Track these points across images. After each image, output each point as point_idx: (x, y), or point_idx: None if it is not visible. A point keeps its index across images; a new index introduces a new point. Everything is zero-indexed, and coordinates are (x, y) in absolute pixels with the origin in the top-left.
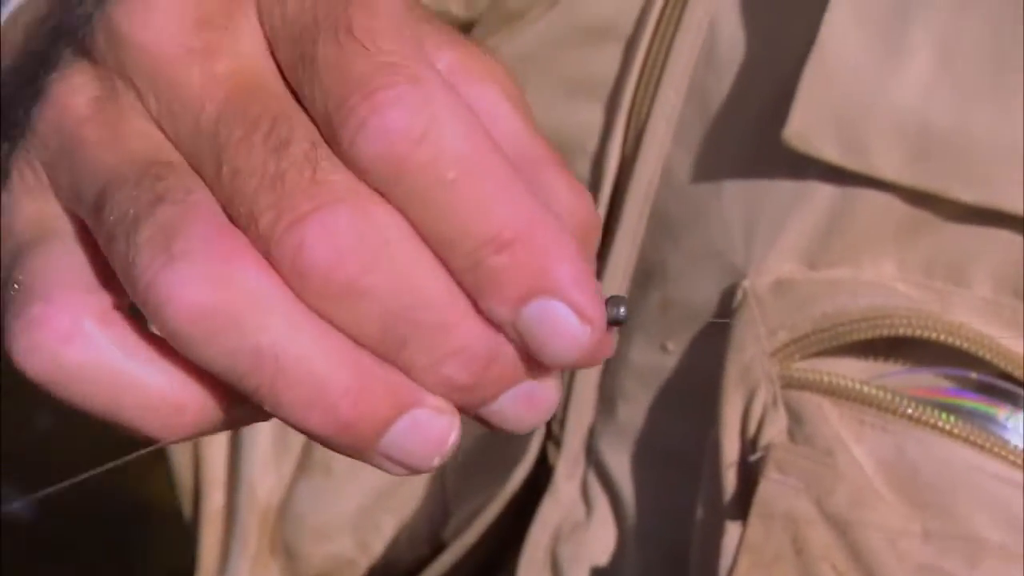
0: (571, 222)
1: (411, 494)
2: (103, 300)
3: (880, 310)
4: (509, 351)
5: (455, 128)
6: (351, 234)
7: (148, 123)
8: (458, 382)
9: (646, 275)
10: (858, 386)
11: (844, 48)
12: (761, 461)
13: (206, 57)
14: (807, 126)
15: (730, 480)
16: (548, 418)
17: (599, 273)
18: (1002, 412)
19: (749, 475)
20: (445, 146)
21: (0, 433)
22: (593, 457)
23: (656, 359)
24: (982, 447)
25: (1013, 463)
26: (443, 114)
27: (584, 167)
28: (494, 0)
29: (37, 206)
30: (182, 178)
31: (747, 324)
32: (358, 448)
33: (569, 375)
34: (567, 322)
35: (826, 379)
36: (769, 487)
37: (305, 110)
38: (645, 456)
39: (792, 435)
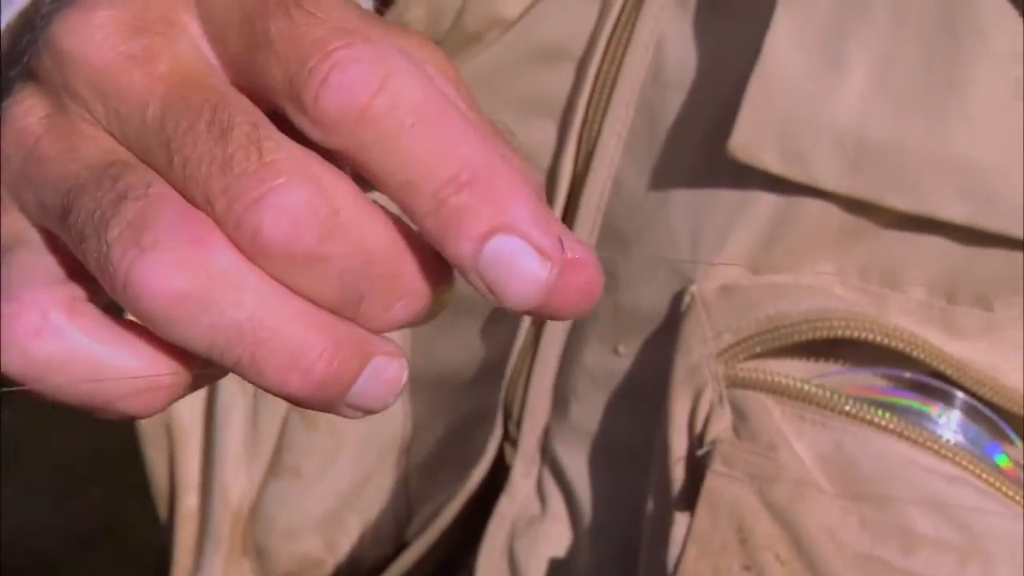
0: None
1: (376, 495)
2: (70, 293)
3: (820, 313)
4: (443, 276)
5: (410, 79)
6: (304, 208)
7: (98, 130)
8: (404, 322)
9: None
10: (799, 385)
11: (785, 65)
12: (708, 456)
13: (146, 61)
14: (750, 138)
15: (678, 474)
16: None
17: None
18: (935, 409)
19: (696, 469)
20: (403, 95)
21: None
22: (548, 455)
23: (608, 361)
24: (916, 442)
25: (945, 457)
26: (398, 67)
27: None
28: (454, 24)
29: (6, 221)
30: (140, 174)
31: (694, 327)
32: (330, 402)
33: (525, 377)
34: (527, 258)
35: (769, 378)
36: (715, 480)
37: (258, 96)
38: (598, 453)
39: (737, 431)
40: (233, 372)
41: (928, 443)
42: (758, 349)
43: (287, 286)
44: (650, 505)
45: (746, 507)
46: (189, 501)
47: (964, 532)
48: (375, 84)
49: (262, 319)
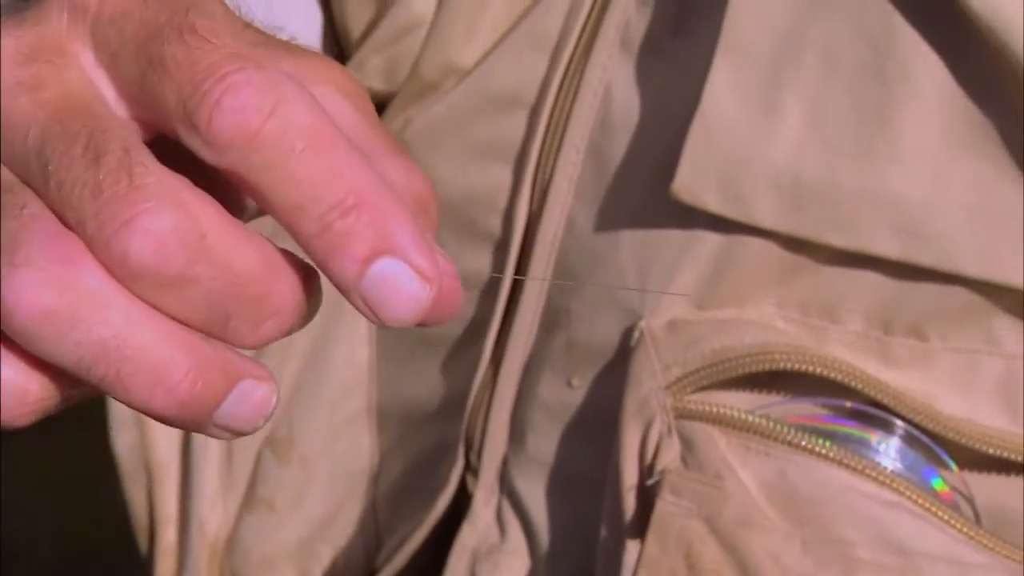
0: (407, 196)
1: (347, 525)
2: None
3: (762, 346)
4: (311, 292)
5: (300, 106)
6: (171, 231)
7: None
8: (274, 338)
9: (552, 318)
10: (743, 416)
11: (724, 110)
12: (657, 485)
13: (32, 88)
14: (692, 180)
15: (629, 503)
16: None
17: (511, 316)
18: (875, 437)
19: (647, 498)
20: (293, 120)
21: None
22: (506, 485)
23: (562, 394)
24: (855, 469)
25: (883, 483)
26: (289, 93)
27: (495, 222)
28: (411, 73)
29: None
30: (17, 195)
31: (643, 361)
32: (196, 422)
33: (485, 410)
34: (408, 281)
35: (715, 410)
36: (664, 508)
37: (153, 122)
38: (553, 483)
39: (685, 461)
40: (101, 389)
41: (867, 470)
42: (704, 382)
43: (155, 307)
44: (603, 532)
45: (694, 534)
46: (168, 535)
47: (902, 556)
48: (267, 108)
49: (127, 338)
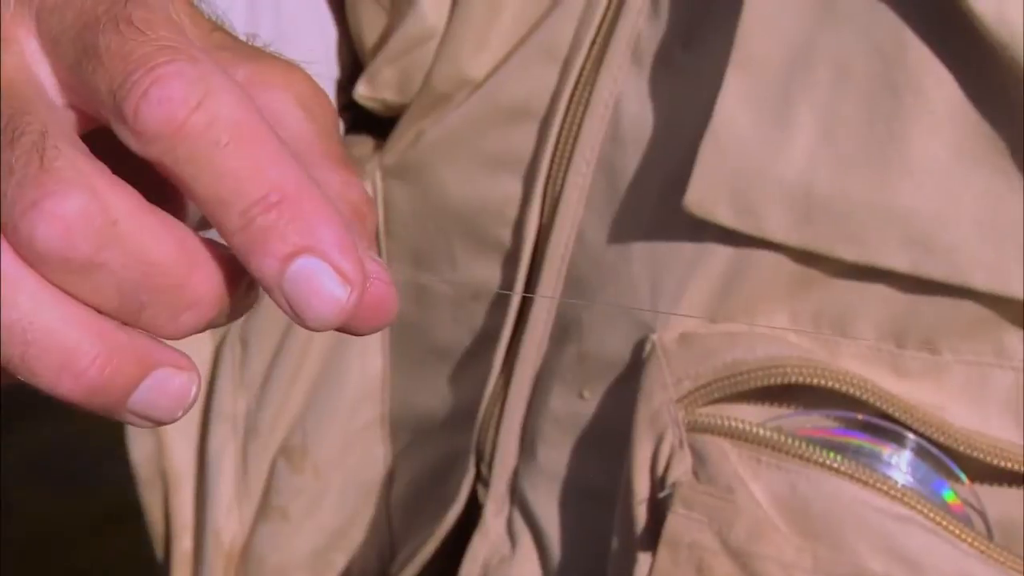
0: (340, 204)
1: (360, 534)
2: None
3: (774, 360)
4: (236, 285)
5: (229, 100)
6: (78, 215)
7: None
8: (195, 329)
9: (563, 330)
10: (755, 429)
11: (736, 124)
12: (669, 498)
13: None
14: (704, 194)
15: (641, 515)
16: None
17: (522, 327)
18: (886, 450)
19: (658, 510)
20: (220, 114)
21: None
22: (517, 496)
23: (573, 406)
24: (866, 483)
25: (894, 497)
26: (218, 87)
27: (506, 234)
28: (424, 84)
29: None
30: None
31: (655, 374)
32: (108, 408)
33: (496, 421)
34: (329, 282)
35: (726, 423)
36: (676, 521)
37: (90, 109)
38: (564, 494)
39: (696, 474)
40: (10, 371)
41: (878, 484)
42: (716, 395)
43: (67, 292)
44: (614, 545)
45: (705, 547)
46: (184, 543)
47: (912, 569)
48: (193, 101)
49: (34, 321)
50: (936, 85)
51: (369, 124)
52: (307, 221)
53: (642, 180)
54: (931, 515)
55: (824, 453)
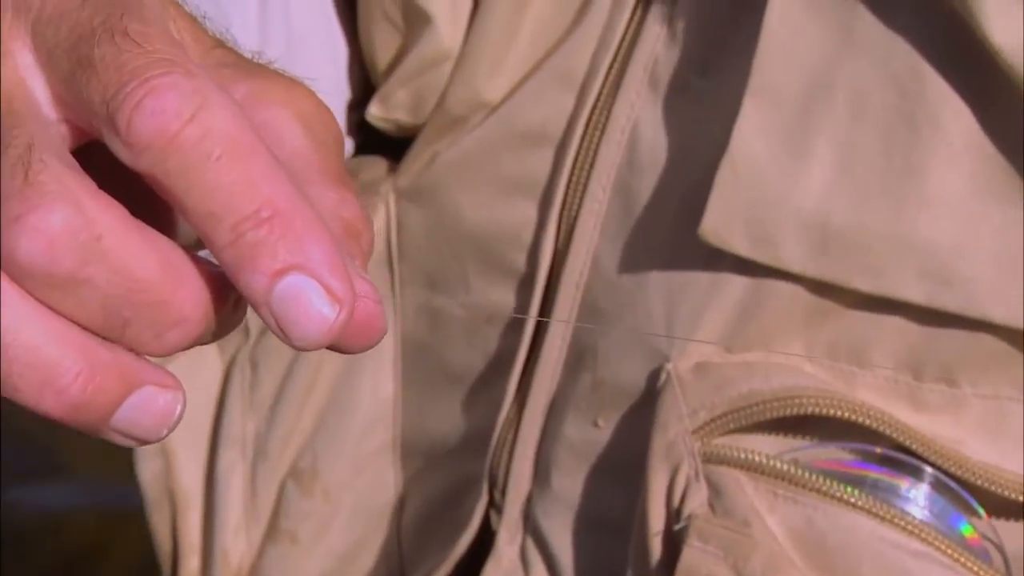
0: (334, 222)
1: (370, 559)
2: None
3: (790, 391)
4: (222, 302)
5: (223, 114)
6: (62, 230)
7: None
8: (180, 347)
9: (578, 357)
10: (772, 462)
11: (752, 153)
12: (684, 530)
13: None
14: (720, 223)
15: (656, 547)
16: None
17: (537, 353)
18: (904, 484)
19: (673, 543)
20: (213, 127)
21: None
22: (531, 524)
23: (588, 434)
24: (883, 518)
25: (912, 533)
26: (212, 101)
27: (521, 259)
28: (438, 106)
29: None
30: None
31: (671, 404)
32: (91, 426)
33: (509, 447)
34: (317, 300)
35: (743, 455)
36: (691, 554)
37: (84, 121)
38: (578, 523)
39: (712, 506)
40: None
41: (895, 519)
42: (732, 426)
43: (51, 307)
44: None
45: None
46: (191, 564)
47: None
48: (187, 113)
49: (16, 337)
50: (954, 117)
51: (382, 145)
52: (298, 238)
53: (658, 207)
54: (948, 551)
55: (841, 487)
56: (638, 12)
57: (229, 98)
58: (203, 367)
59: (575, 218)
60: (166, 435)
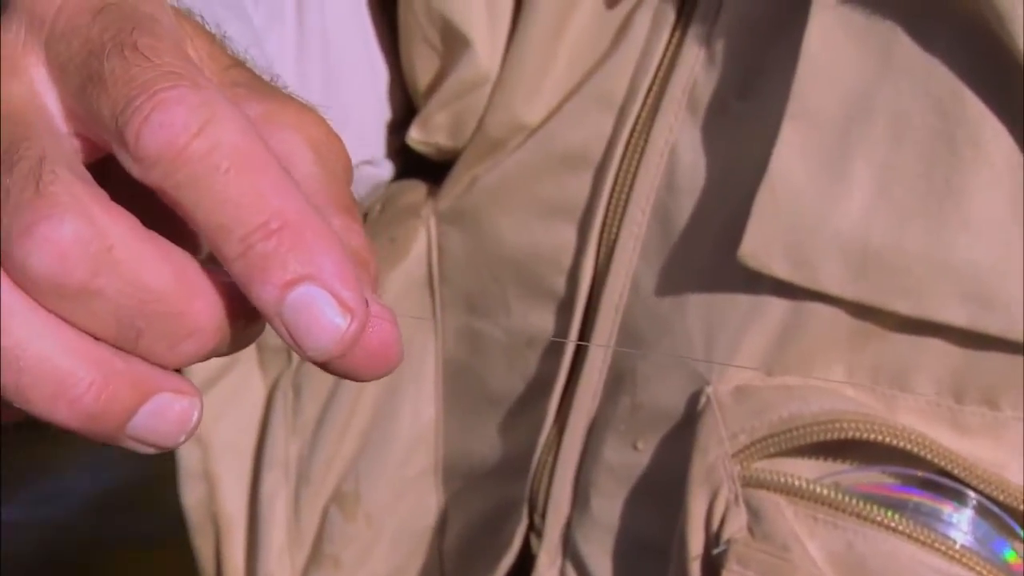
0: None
1: None
2: None
3: (830, 414)
4: (237, 315)
5: (232, 127)
6: (73, 240)
7: None
8: (196, 358)
9: (618, 380)
10: (812, 486)
11: (792, 176)
12: (723, 555)
13: None
14: (759, 246)
15: (695, 572)
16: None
17: (576, 376)
18: (947, 508)
19: (713, 567)
20: (221, 140)
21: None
22: (570, 547)
23: (627, 457)
24: (924, 543)
25: (954, 558)
26: (221, 114)
27: (560, 281)
28: (477, 130)
29: None
30: None
31: (710, 428)
32: (107, 434)
33: (549, 471)
34: (329, 310)
35: (782, 479)
36: None
37: (94, 134)
38: (618, 546)
39: (752, 531)
40: (6, 399)
41: (936, 544)
42: (772, 450)
43: (63, 318)
44: None
45: None
46: None
47: None
48: (195, 126)
49: (27, 348)
50: (994, 138)
51: (422, 168)
52: (308, 249)
53: (697, 230)
54: None
55: (882, 511)
56: (676, 34)
57: (238, 111)
58: (247, 392)
59: (614, 241)
60: (183, 441)
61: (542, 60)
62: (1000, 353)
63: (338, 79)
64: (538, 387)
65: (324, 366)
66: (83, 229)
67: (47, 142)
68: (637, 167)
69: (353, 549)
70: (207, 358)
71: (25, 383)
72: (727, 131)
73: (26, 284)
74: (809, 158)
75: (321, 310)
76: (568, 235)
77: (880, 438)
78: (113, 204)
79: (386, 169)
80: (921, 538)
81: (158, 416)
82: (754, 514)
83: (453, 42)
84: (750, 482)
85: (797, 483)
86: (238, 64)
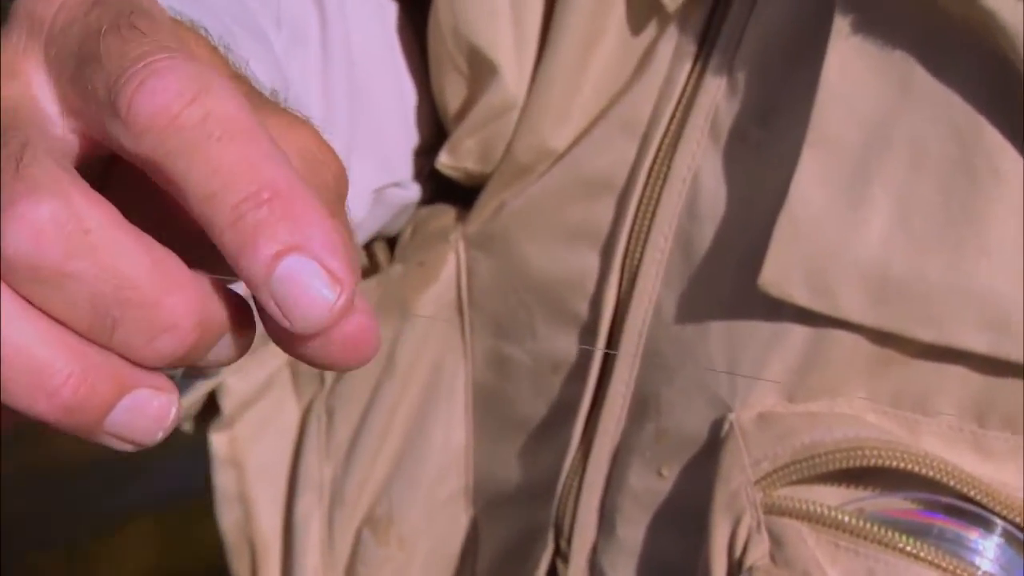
0: None
1: None
2: None
3: (853, 442)
4: (218, 317)
5: (225, 97)
6: (49, 220)
7: None
8: (174, 356)
9: (642, 406)
10: (833, 513)
11: (811, 204)
12: None
13: None
14: (779, 274)
15: None
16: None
17: (601, 402)
18: (973, 535)
19: None
20: (214, 109)
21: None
22: (596, 573)
23: (652, 483)
24: (947, 570)
25: None
26: (215, 84)
27: (584, 307)
28: (505, 154)
29: None
30: None
31: (733, 455)
32: (86, 429)
33: (575, 496)
34: (317, 281)
35: (805, 506)
36: None
37: (88, 130)
38: (643, 572)
39: (774, 558)
40: None
41: (960, 571)
42: (794, 477)
43: (39, 306)
44: None
45: None
46: None
47: None
48: (188, 95)
49: (6, 338)
50: (1013, 166)
51: (452, 193)
52: (298, 220)
53: (719, 256)
54: None
55: (904, 538)
56: (699, 62)
57: (230, 83)
58: (281, 415)
59: (637, 267)
60: (161, 438)
61: (569, 86)
62: (1022, 379)
63: (364, 102)
64: (563, 412)
65: (302, 355)
66: (60, 210)
67: (32, 132)
68: (660, 193)
69: (386, 572)
70: (187, 360)
71: (6, 377)
72: (749, 158)
73: (3, 268)
74: (828, 185)
75: (310, 281)
76: (592, 260)
77: (902, 465)
78: (94, 192)
79: (413, 191)
80: (944, 565)
81: (136, 412)
82: (776, 541)
83: (481, 68)
84: (772, 509)
85: (819, 510)
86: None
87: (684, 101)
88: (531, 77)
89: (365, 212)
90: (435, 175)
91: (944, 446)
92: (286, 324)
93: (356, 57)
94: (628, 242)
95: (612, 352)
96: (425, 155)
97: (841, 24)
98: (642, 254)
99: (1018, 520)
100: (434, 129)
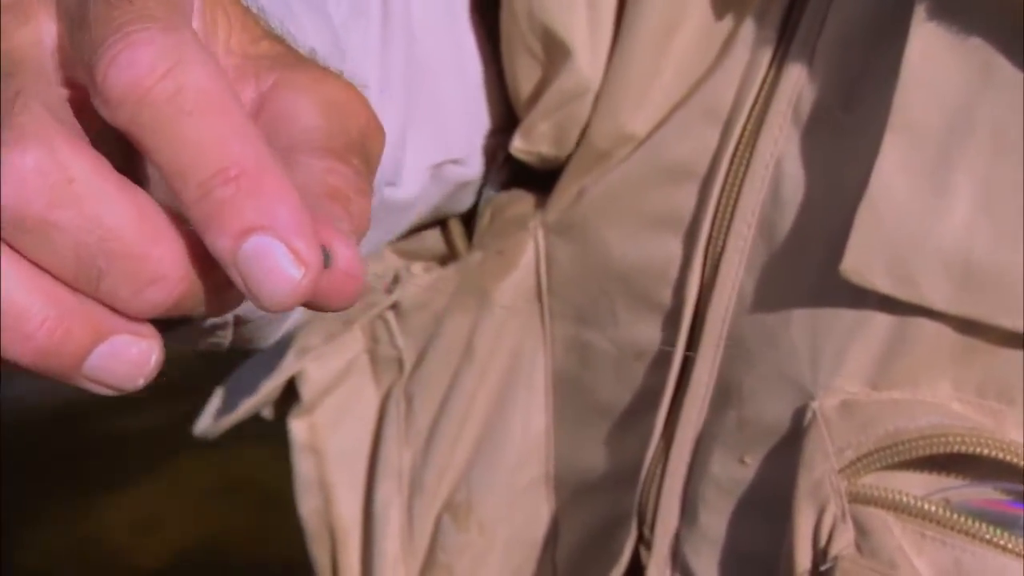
0: (316, 186)
1: None
2: None
3: (937, 428)
4: (207, 269)
5: (199, 71)
6: (33, 168)
7: None
8: (162, 307)
9: (724, 395)
10: (919, 503)
11: (893, 190)
12: (831, 572)
13: None
14: (861, 261)
15: None
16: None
17: (683, 389)
18: None
19: None
20: (187, 83)
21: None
22: (679, 560)
23: (734, 471)
24: None
25: None
26: (189, 57)
27: (667, 294)
28: (582, 139)
29: None
30: None
31: (817, 443)
32: (62, 373)
33: (657, 483)
34: (283, 260)
35: (890, 495)
36: None
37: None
38: (726, 560)
39: (859, 547)
40: None
41: None
42: (878, 464)
43: (25, 255)
44: None
45: None
46: None
47: None
48: (162, 68)
49: None
50: None
51: (528, 178)
52: (265, 198)
53: (802, 243)
54: None
55: (991, 529)
56: (781, 48)
57: (209, 57)
58: (360, 401)
59: (720, 254)
60: (142, 384)
61: (647, 71)
62: None
63: (423, 76)
64: (646, 399)
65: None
66: (44, 159)
67: (29, 80)
68: (743, 180)
69: (466, 558)
70: (177, 312)
71: None
72: (832, 144)
73: None
74: (911, 172)
75: (276, 260)
76: (674, 247)
77: (988, 452)
78: (82, 142)
79: (473, 169)
80: None
81: (115, 357)
82: (861, 530)
83: (554, 51)
84: (857, 498)
85: (905, 499)
86: (270, 36)
87: (766, 87)
88: (607, 61)
89: (420, 187)
90: (511, 160)
91: None
92: (255, 302)
93: (417, 31)
94: (711, 229)
95: (690, 354)
96: (492, 136)
97: (922, 9)
98: (725, 241)
99: None
100: (502, 110)
